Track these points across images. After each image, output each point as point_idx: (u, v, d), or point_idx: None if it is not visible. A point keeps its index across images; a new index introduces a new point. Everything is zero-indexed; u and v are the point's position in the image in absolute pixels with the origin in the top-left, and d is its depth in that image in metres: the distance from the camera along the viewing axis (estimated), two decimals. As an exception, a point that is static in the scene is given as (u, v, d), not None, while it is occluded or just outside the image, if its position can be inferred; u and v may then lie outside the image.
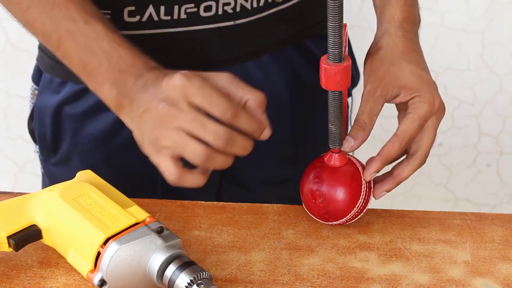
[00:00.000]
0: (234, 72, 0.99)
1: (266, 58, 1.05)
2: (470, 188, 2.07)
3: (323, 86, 0.84)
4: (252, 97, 0.81)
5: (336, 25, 0.79)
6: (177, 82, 0.79)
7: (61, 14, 0.86)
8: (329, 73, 0.82)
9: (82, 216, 0.80)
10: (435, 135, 0.91)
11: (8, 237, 0.82)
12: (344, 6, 0.79)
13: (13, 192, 0.94)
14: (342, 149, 0.88)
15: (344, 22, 0.80)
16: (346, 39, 0.84)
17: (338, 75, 0.82)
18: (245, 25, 0.99)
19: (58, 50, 0.88)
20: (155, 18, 0.96)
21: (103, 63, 0.85)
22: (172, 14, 0.96)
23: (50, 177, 1.13)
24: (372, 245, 0.89)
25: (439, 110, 0.90)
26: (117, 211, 0.81)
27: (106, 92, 0.85)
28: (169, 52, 0.99)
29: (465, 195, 2.08)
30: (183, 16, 0.96)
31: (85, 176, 0.89)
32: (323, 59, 0.83)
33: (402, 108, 0.91)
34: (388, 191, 0.90)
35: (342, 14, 0.79)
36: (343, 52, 0.82)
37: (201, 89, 0.78)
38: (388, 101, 0.90)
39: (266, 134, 0.82)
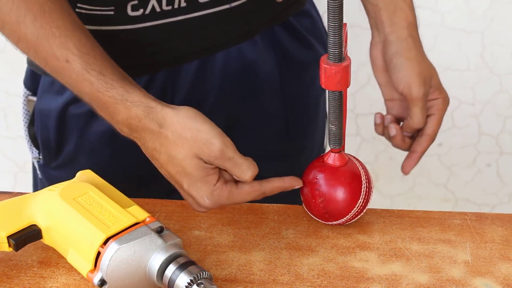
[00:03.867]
0: (231, 55, 1.06)
1: (257, 38, 1.07)
2: (470, 188, 2.07)
3: (323, 86, 0.84)
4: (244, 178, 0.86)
5: (336, 25, 0.79)
6: (206, 204, 0.86)
7: (45, 52, 0.87)
8: (329, 73, 0.82)
9: (82, 216, 0.80)
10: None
11: (8, 237, 0.82)
12: (344, 6, 0.79)
13: (13, 192, 0.94)
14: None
15: (344, 22, 0.80)
16: (346, 39, 0.84)
17: (338, 75, 0.82)
18: (240, 7, 1.02)
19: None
20: (157, 9, 0.98)
21: (93, 105, 0.88)
22: (173, 4, 0.98)
23: (51, 181, 1.13)
24: (372, 245, 0.89)
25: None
26: (117, 211, 0.81)
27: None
28: (170, 41, 1.01)
29: (465, 195, 2.08)
30: (183, 4, 0.98)
31: (85, 176, 0.89)
32: (323, 59, 0.83)
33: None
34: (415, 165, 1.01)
35: (342, 14, 0.79)
36: (343, 52, 0.82)
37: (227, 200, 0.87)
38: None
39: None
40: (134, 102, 0.85)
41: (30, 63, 1.09)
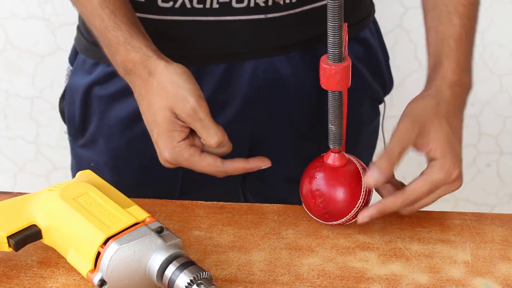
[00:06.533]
0: (261, 65, 1.04)
1: (296, 54, 1.05)
2: (470, 188, 2.07)
3: (323, 86, 0.84)
4: (210, 142, 0.88)
5: (336, 25, 0.79)
6: (166, 158, 0.89)
7: None
8: (329, 73, 0.82)
9: (82, 216, 0.80)
10: (435, 200, 0.91)
11: (8, 237, 0.82)
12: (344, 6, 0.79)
13: (13, 192, 0.94)
14: (368, 179, 0.86)
15: (344, 22, 0.80)
16: (346, 39, 0.84)
17: (338, 75, 0.82)
18: (276, 20, 1.01)
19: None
20: (188, 5, 0.98)
21: (100, 40, 0.93)
22: (204, 3, 0.98)
23: (77, 159, 1.16)
24: (372, 245, 0.89)
25: (454, 182, 0.90)
26: (117, 211, 0.81)
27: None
28: (199, 40, 1.01)
29: (465, 195, 2.08)
30: (215, 5, 0.98)
31: (85, 176, 0.89)
32: (323, 59, 0.83)
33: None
34: (372, 217, 0.88)
35: (342, 14, 0.79)
36: (343, 52, 0.82)
37: (189, 164, 0.89)
38: (417, 147, 0.89)
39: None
40: (135, 47, 0.90)
41: (75, 38, 1.11)
